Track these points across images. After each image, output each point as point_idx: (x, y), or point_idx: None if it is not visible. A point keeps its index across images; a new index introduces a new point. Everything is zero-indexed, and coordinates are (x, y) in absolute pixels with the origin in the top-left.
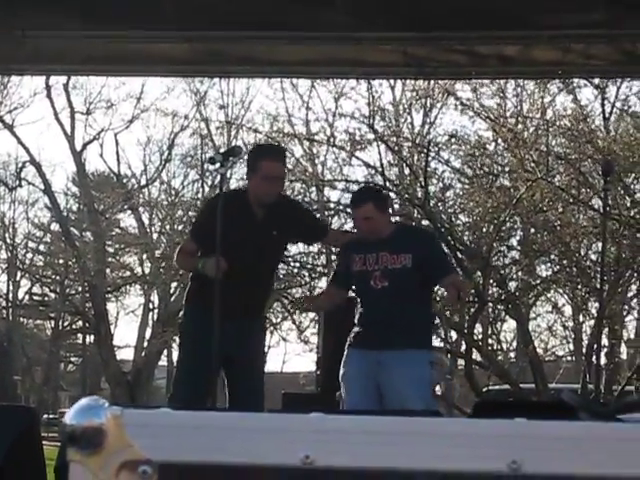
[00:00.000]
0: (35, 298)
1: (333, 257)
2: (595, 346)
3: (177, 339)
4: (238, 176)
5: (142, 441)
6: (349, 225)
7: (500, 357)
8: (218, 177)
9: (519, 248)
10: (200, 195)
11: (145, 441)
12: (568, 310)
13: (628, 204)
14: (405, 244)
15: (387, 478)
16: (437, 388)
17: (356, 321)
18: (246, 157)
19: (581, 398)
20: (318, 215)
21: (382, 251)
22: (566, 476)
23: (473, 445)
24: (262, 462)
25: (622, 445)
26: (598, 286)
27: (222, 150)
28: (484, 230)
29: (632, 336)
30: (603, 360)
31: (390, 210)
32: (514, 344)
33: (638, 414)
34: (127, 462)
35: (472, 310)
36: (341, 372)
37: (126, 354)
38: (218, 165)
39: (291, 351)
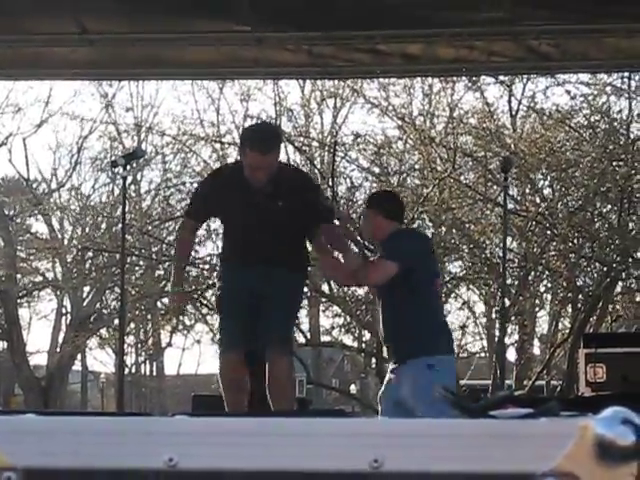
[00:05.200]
0: None
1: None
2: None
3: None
4: (147, 179)
5: (5, 447)
6: None
7: None
8: (128, 179)
9: None
10: (111, 198)
11: (8, 447)
12: (480, 307)
13: (537, 200)
14: None
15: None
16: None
17: None
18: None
19: (452, 394)
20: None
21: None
22: (429, 474)
23: (334, 444)
24: (123, 466)
25: (485, 441)
26: (508, 282)
27: (124, 153)
28: None
29: (544, 332)
30: (514, 355)
31: None
32: None
33: (509, 410)
34: None
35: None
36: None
37: (40, 359)
38: (121, 169)
39: (206, 352)
